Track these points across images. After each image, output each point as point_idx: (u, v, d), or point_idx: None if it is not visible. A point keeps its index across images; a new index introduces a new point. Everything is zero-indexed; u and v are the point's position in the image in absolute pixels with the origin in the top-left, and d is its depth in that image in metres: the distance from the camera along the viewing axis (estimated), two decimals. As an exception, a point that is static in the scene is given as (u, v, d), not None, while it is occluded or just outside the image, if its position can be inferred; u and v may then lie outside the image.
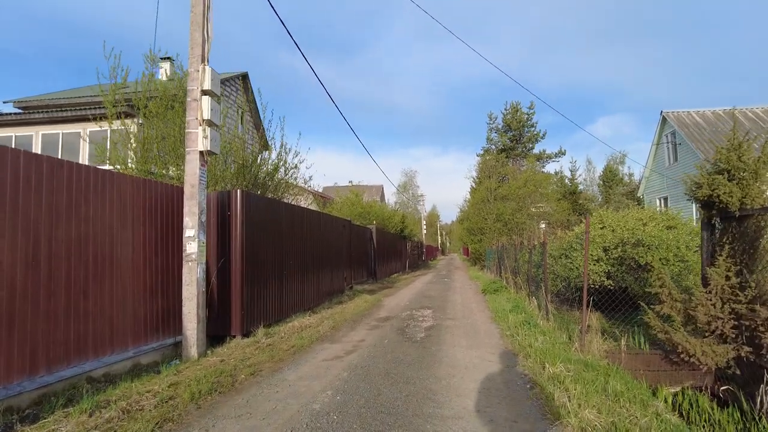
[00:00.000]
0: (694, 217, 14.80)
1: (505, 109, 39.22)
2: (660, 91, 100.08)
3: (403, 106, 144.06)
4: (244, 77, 25.62)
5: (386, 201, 56.08)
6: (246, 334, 7.71)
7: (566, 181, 43.07)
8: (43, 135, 16.66)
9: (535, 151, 39.51)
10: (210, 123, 7.05)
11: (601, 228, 12.13)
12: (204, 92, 7.03)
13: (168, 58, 21.99)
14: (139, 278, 6.36)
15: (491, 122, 39.62)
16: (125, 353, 5.94)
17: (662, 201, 23.68)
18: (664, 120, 22.72)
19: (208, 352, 6.83)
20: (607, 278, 10.73)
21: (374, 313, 11.00)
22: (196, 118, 6.98)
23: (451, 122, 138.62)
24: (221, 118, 10.05)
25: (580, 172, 64.63)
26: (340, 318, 9.89)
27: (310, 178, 24.13)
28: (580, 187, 48.80)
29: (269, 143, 28.71)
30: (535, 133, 39.52)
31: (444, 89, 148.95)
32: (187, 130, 7.06)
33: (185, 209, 6.86)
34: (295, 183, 13.50)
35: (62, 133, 16.59)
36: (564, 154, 40.57)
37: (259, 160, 11.78)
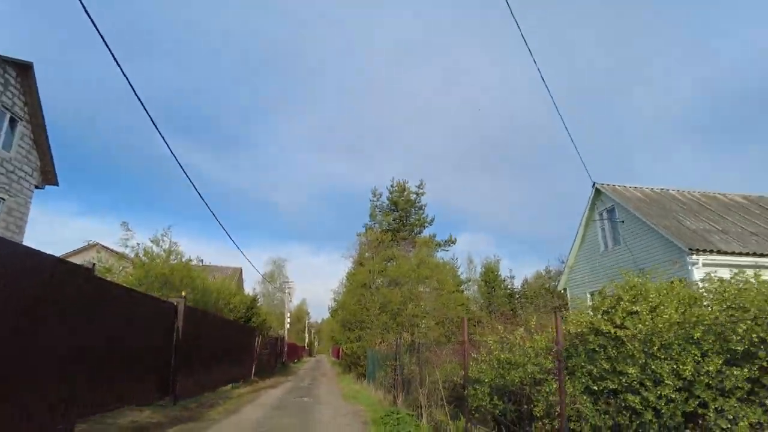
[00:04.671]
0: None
1: (392, 186, 33.78)
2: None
3: (279, 202, 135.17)
4: (24, 69, 16.11)
5: (244, 289, 45.64)
6: None
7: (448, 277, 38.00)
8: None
9: (423, 236, 34.04)
10: None
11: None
12: None
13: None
14: None
15: (375, 199, 33.61)
16: None
17: (595, 296, 18.33)
18: (597, 194, 18.10)
19: None
20: None
21: None
22: None
23: (328, 224, 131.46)
24: None
25: (462, 271, 61.39)
26: None
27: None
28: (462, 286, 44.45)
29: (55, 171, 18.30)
30: (423, 216, 34.33)
31: (323, 193, 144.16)
32: None
33: None
34: None
35: None
36: (454, 242, 35.60)
37: None
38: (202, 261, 20.09)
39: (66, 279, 6.39)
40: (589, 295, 18.70)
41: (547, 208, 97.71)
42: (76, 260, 21.12)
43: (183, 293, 13.17)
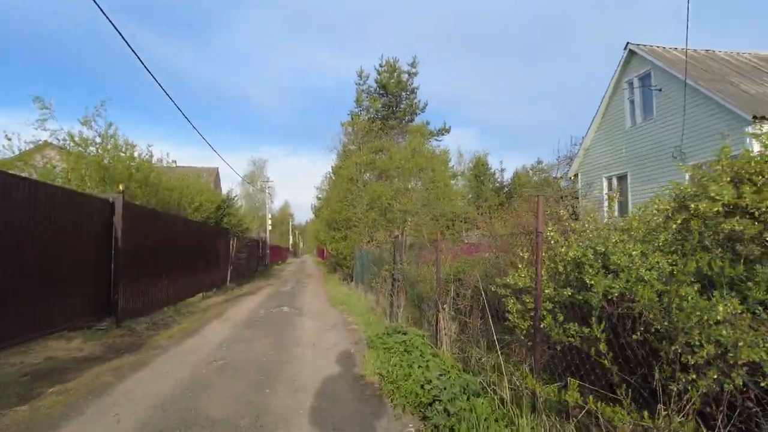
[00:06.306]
0: None
1: (380, 66, 29.59)
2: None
3: (253, 99, 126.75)
4: None
5: (221, 190, 42.79)
6: None
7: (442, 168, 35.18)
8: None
9: (416, 124, 30.67)
10: None
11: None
12: None
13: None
14: None
15: (362, 82, 29.43)
16: None
17: (613, 181, 16.03)
18: (630, 56, 14.92)
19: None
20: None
21: None
22: None
23: (308, 122, 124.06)
24: None
25: (451, 164, 58.87)
26: None
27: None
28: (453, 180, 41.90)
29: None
30: (416, 101, 30.68)
31: (302, 88, 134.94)
32: None
33: None
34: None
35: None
36: (448, 131, 32.19)
37: None
38: (174, 162, 16.92)
39: None
40: (605, 181, 16.46)
41: (547, 95, 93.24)
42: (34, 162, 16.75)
43: (120, 187, 10.33)
